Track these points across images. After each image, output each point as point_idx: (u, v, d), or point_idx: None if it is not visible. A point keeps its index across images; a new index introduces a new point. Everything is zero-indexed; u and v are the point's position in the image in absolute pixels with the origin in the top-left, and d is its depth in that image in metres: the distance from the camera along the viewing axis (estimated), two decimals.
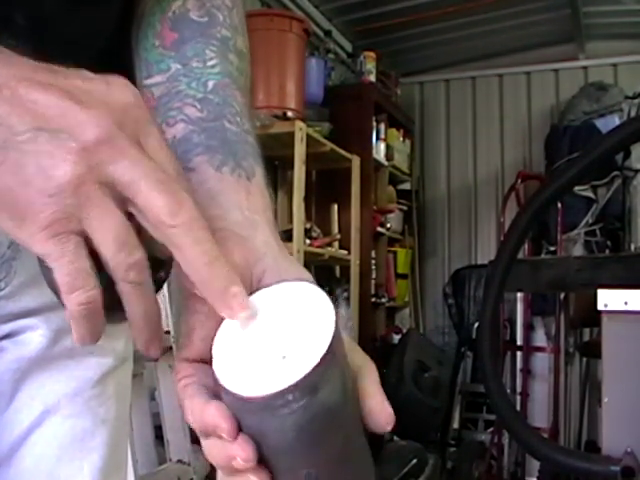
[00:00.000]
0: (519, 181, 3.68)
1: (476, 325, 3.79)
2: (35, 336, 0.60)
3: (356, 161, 3.44)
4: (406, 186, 4.48)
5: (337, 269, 3.72)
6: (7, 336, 0.59)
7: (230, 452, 0.37)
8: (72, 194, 0.35)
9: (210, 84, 0.54)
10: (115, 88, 0.38)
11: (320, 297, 0.40)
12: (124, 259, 0.36)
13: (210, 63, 0.55)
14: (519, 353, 3.81)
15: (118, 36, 0.61)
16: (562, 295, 3.47)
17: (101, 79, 0.38)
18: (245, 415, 0.37)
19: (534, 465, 3.43)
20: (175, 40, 0.57)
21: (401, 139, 4.27)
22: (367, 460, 0.42)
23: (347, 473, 0.40)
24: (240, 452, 0.37)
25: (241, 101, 0.55)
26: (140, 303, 0.38)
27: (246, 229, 0.47)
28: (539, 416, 3.67)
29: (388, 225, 4.01)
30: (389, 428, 0.41)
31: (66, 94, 0.36)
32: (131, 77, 0.66)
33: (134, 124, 0.38)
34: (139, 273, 0.37)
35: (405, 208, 4.39)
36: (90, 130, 0.36)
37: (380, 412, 0.41)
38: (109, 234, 0.36)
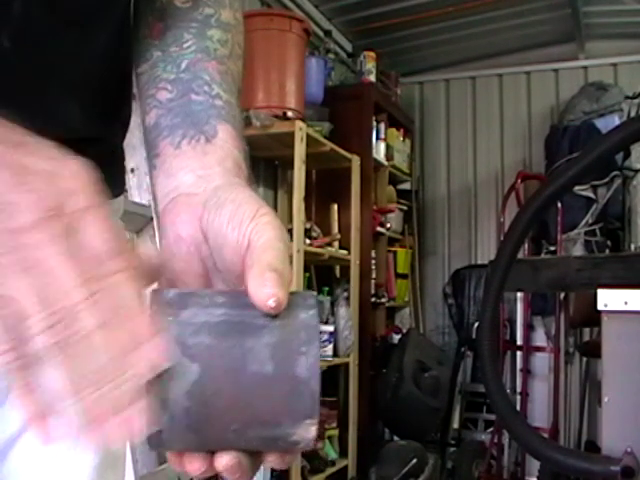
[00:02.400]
0: (519, 181, 3.67)
1: (476, 325, 3.79)
2: None
3: (356, 161, 3.44)
4: (406, 186, 4.48)
5: (337, 269, 3.72)
6: None
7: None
8: None
9: (183, 64, 0.57)
10: (66, 172, 0.37)
11: None
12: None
13: (186, 45, 0.58)
14: (519, 353, 3.81)
15: (116, 46, 0.62)
16: (562, 295, 3.46)
17: (56, 162, 0.37)
18: None
19: (534, 465, 3.42)
20: (160, 29, 0.59)
21: (401, 139, 4.27)
22: (277, 349, 0.40)
23: (266, 387, 0.39)
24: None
25: (215, 69, 0.57)
26: None
27: (197, 187, 0.49)
28: (539, 416, 3.66)
29: (388, 225, 4.01)
30: (271, 304, 0.39)
31: (12, 171, 0.35)
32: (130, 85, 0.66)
33: (74, 212, 0.36)
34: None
35: (405, 208, 4.39)
36: (22, 214, 0.35)
37: (255, 293, 0.40)
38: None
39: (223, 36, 0.59)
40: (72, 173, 0.37)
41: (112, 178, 0.65)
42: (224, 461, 0.40)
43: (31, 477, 0.60)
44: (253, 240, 0.43)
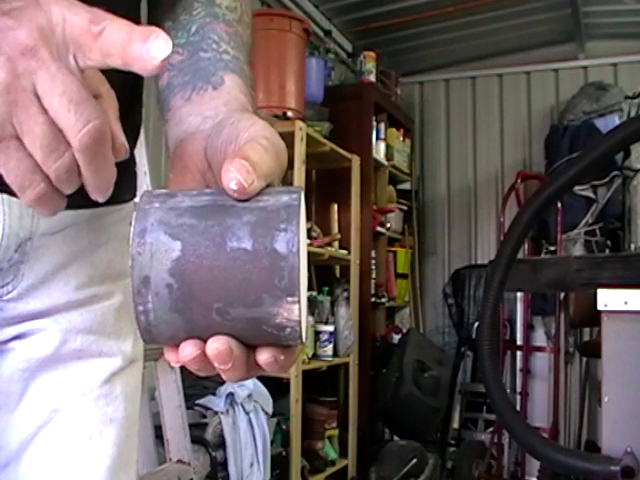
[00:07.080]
0: (519, 181, 3.67)
1: (476, 325, 3.79)
2: (44, 337, 0.60)
3: (356, 161, 3.44)
4: (406, 186, 4.48)
5: (337, 269, 3.72)
6: (17, 337, 0.60)
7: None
8: (1, 102, 0.37)
9: (193, 29, 0.59)
10: (45, 9, 0.39)
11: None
12: (52, 163, 0.38)
13: (195, 12, 0.60)
14: (519, 353, 3.81)
15: None
16: (562, 295, 3.46)
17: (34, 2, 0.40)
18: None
19: (534, 465, 3.42)
20: (171, 2, 0.62)
21: (401, 139, 4.27)
22: (254, 245, 0.40)
23: (239, 276, 0.40)
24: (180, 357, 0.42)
25: (223, 30, 0.59)
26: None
27: (204, 125, 0.52)
28: (539, 416, 3.67)
29: (388, 225, 4.01)
30: (232, 187, 0.41)
31: None
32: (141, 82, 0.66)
33: (61, 42, 0.39)
34: (67, 179, 0.40)
35: (405, 208, 4.39)
36: (17, 41, 0.37)
37: (222, 179, 0.42)
38: (37, 139, 0.38)
39: (232, 3, 0.61)
40: (52, 11, 0.39)
41: (123, 184, 0.65)
42: (214, 345, 0.40)
43: (45, 478, 0.61)
44: (238, 137, 0.45)
